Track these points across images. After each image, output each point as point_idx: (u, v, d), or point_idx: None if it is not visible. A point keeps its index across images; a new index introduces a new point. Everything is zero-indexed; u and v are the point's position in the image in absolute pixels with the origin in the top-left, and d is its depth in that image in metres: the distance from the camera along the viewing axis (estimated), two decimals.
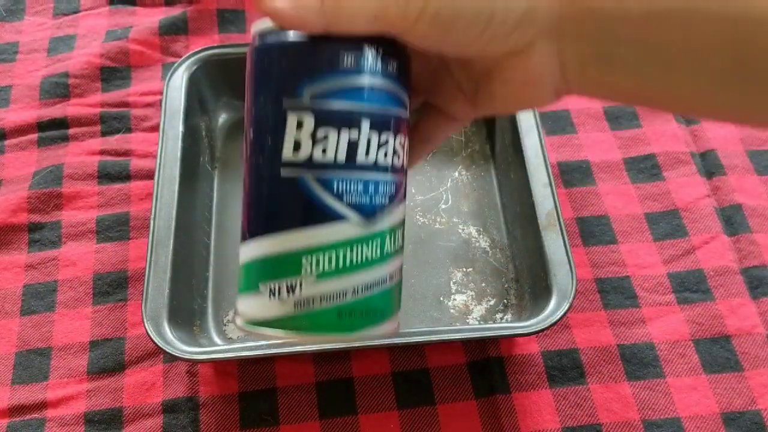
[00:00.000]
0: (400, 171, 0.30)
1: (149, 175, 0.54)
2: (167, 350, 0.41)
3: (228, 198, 0.54)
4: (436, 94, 0.33)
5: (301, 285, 0.28)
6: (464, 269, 0.50)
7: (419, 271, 0.50)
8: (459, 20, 0.25)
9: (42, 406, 0.45)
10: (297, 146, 0.27)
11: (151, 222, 0.46)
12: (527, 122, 0.50)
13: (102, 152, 0.56)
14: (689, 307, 0.49)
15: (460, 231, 0.52)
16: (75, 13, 0.65)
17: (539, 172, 0.48)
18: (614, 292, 0.49)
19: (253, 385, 0.46)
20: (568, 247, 0.45)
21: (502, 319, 0.48)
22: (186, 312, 0.46)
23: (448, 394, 0.45)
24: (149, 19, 0.64)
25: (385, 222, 0.29)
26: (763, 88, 0.25)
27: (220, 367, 0.46)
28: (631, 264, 0.50)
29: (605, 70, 0.27)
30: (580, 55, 0.27)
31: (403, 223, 0.31)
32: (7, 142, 0.56)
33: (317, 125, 0.27)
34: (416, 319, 0.48)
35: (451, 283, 0.50)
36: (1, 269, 0.50)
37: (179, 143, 0.50)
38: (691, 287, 0.49)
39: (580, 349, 0.47)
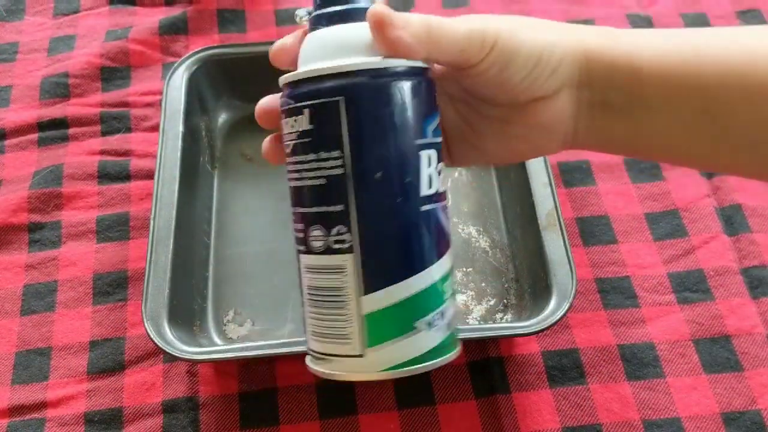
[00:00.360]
0: None
1: (149, 175, 0.54)
2: (167, 350, 0.41)
3: (228, 198, 0.54)
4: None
5: (448, 309, 0.30)
6: (464, 269, 0.50)
7: None
8: (517, 57, 0.29)
9: (42, 406, 0.45)
10: (430, 181, 0.29)
11: (151, 222, 0.46)
12: None
13: (102, 152, 0.56)
14: (689, 307, 0.49)
15: (460, 231, 0.52)
16: (75, 13, 0.65)
17: (539, 172, 0.48)
18: (614, 292, 0.49)
19: (253, 385, 0.46)
20: (568, 247, 0.45)
21: (502, 319, 0.48)
22: (186, 312, 0.46)
23: (448, 394, 0.45)
24: (149, 19, 0.64)
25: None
26: (730, 141, 0.30)
27: (220, 367, 0.46)
28: (631, 264, 0.50)
29: (606, 117, 0.31)
30: (590, 103, 0.31)
31: None
32: (7, 142, 0.56)
33: (438, 159, 0.30)
34: None
35: None
36: (1, 269, 0.50)
37: (179, 143, 0.50)
38: (691, 287, 0.49)
39: (580, 349, 0.47)
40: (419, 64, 0.29)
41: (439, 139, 0.30)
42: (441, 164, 0.30)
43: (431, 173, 0.29)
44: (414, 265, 0.29)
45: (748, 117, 0.29)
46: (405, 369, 0.29)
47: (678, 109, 0.30)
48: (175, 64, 0.54)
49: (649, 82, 0.30)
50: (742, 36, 0.31)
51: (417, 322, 0.29)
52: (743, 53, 0.29)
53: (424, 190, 0.28)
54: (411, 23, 0.28)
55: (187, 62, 0.54)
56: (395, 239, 0.29)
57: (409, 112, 0.28)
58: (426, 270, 0.29)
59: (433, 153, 0.29)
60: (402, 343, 0.29)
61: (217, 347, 0.46)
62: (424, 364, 0.29)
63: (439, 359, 0.30)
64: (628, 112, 0.31)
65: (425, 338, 0.29)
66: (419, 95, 0.29)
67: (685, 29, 0.32)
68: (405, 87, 0.28)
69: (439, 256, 0.29)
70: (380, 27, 0.28)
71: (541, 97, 0.31)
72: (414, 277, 0.29)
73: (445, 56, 0.30)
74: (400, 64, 0.28)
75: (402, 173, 0.28)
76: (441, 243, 0.30)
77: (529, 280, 0.48)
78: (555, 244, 0.45)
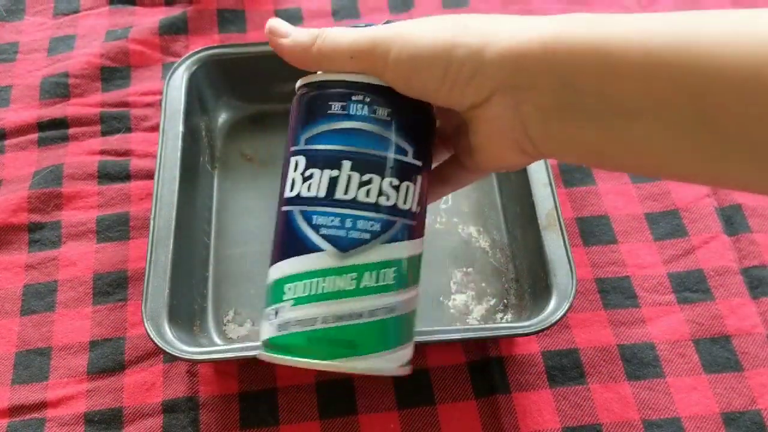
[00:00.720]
0: (392, 211, 0.31)
1: (149, 175, 0.54)
2: (167, 350, 0.41)
3: (228, 198, 0.54)
4: (457, 148, 0.35)
5: (282, 310, 0.31)
6: (464, 269, 0.50)
7: None
8: (420, 64, 0.28)
9: (42, 406, 0.45)
10: (293, 184, 0.31)
11: (151, 222, 0.46)
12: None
13: (102, 152, 0.56)
14: (689, 307, 0.49)
15: (460, 231, 0.52)
16: (75, 13, 0.65)
17: (539, 172, 0.48)
18: (614, 292, 0.49)
19: (253, 385, 0.46)
20: (568, 247, 0.45)
21: (502, 319, 0.48)
22: (186, 312, 0.46)
23: (448, 394, 0.45)
24: (149, 19, 0.64)
25: (363, 257, 0.30)
26: (727, 146, 0.24)
27: (220, 367, 0.46)
28: (631, 264, 0.50)
29: (567, 123, 0.27)
30: (539, 108, 0.27)
31: (395, 262, 0.31)
32: (7, 142, 0.56)
33: (306, 165, 0.31)
34: (416, 319, 0.48)
35: (451, 283, 0.50)
36: (1, 269, 0.50)
37: (179, 143, 0.50)
38: (691, 287, 0.49)
39: (580, 349, 0.47)
40: (312, 79, 0.31)
41: (314, 147, 0.30)
42: (315, 171, 0.30)
43: (295, 177, 0.31)
44: (272, 258, 0.32)
45: (762, 123, 0.23)
46: (260, 351, 0.32)
47: (666, 116, 0.25)
48: (175, 64, 0.54)
49: (627, 78, 0.25)
50: (748, 19, 0.24)
51: (264, 309, 0.32)
52: (756, 39, 0.23)
53: (287, 193, 0.31)
54: (295, 32, 0.31)
55: (187, 62, 0.54)
56: (273, 232, 0.32)
57: (290, 125, 0.32)
58: (274, 265, 0.31)
59: (301, 159, 0.31)
60: (261, 325, 0.32)
61: (217, 347, 0.46)
62: (265, 351, 0.32)
63: (275, 354, 0.31)
64: (599, 120, 0.26)
65: (264, 327, 0.32)
66: (296, 109, 0.32)
67: (668, 14, 0.25)
68: (293, 102, 0.32)
69: (283, 257, 0.31)
70: (269, 36, 0.32)
71: (474, 104, 0.29)
72: (270, 268, 0.32)
73: (338, 66, 0.30)
74: (300, 83, 0.32)
75: (282, 175, 0.32)
76: (289, 246, 0.31)
77: (529, 280, 0.48)
78: (555, 244, 0.45)
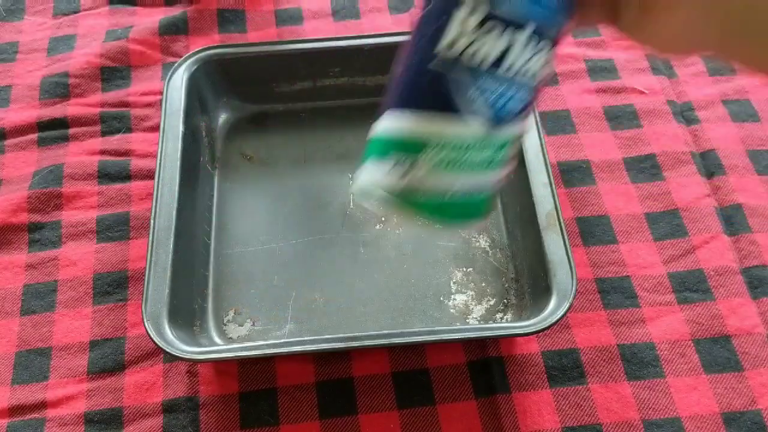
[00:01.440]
0: (534, 91, 0.30)
1: (149, 175, 0.54)
2: (167, 350, 0.41)
3: (228, 198, 0.54)
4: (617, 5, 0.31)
5: (418, 165, 0.29)
6: (464, 269, 0.50)
7: (419, 271, 0.50)
8: None
9: (42, 406, 0.45)
10: (454, 42, 0.28)
11: (151, 222, 0.46)
12: (527, 122, 0.50)
13: (102, 152, 0.56)
14: (689, 307, 0.49)
15: (460, 231, 0.52)
16: (75, 13, 0.65)
17: (539, 172, 0.48)
18: (614, 292, 0.49)
19: (253, 385, 0.46)
20: (568, 247, 0.45)
21: (502, 319, 0.48)
22: (186, 312, 0.46)
23: (448, 394, 0.45)
24: (149, 19, 0.64)
25: (506, 134, 0.30)
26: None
27: (220, 367, 0.46)
28: (631, 264, 0.50)
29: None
30: (723, 24, 0.26)
31: (519, 138, 0.31)
32: (7, 142, 0.56)
33: (487, 18, 0.27)
34: (416, 319, 0.48)
35: (451, 283, 0.50)
36: (1, 269, 0.50)
37: (179, 143, 0.50)
38: (691, 287, 0.49)
39: (580, 349, 0.47)
40: None
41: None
42: (492, 33, 0.27)
43: (460, 32, 0.28)
44: (410, 101, 0.30)
45: None
46: (373, 190, 0.31)
47: None
48: (175, 64, 0.54)
49: None
50: None
51: (392, 153, 0.30)
52: None
53: (441, 48, 0.28)
54: None
55: (187, 62, 0.54)
56: (411, 71, 0.30)
57: None
58: (417, 112, 0.29)
59: (483, 5, 0.27)
60: (377, 167, 0.31)
61: (217, 347, 0.46)
62: (384, 194, 0.30)
63: (396, 201, 0.30)
64: None
65: (388, 172, 0.30)
66: None
67: None
68: None
69: (438, 112, 0.29)
70: None
71: None
72: (406, 112, 0.30)
73: None
74: None
75: (426, 23, 0.29)
76: (447, 103, 0.29)
77: (529, 280, 0.48)
78: (555, 244, 0.45)
